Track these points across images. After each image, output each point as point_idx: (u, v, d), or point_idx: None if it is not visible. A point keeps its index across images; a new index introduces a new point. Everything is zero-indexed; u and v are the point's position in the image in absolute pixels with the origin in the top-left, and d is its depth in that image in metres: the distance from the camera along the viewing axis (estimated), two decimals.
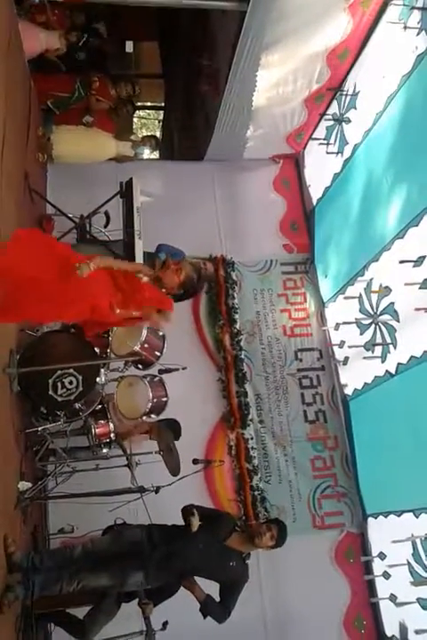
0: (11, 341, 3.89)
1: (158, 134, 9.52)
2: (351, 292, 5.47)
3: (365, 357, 5.20)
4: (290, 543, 3.80)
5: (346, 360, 5.66)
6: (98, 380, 4.13)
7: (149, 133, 9.86)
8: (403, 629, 4.70)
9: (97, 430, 4.40)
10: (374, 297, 5.08)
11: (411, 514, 4.58)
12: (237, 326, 5.88)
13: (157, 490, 3.95)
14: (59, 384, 3.89)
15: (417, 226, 4.34)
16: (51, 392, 3.89)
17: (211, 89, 6.24)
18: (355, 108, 5.46)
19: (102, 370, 4.21)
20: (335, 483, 5.61)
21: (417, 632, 4.51)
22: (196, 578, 3.69)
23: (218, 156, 6.40)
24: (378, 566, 5.16)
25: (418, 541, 4.50)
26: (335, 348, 5.83)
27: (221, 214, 6.32)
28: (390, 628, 4.95)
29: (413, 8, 4.38)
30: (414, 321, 4.48)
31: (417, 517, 4.51)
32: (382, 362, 4.94)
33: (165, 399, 4.56)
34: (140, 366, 4.48)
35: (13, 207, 4.31)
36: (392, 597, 4.89)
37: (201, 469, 4.30)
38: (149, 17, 7.27)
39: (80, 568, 3.50)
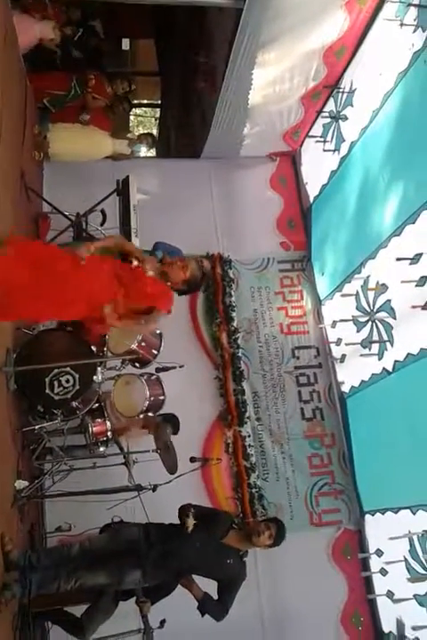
0: (7, 340, 3.88)
1: (155, 132, 9.53)
2: (348, 289, 5.47)
3: (362, 355, 5.20)
4: (287, 540, 3.81)
5: (343, 357, 5.67)
6: (95, 378, 4.12)
7: (145, 131, 9.86)
8: (400, 626, 4.71)
9: (94, 429, 4.40)
10: (371, 294, 5.09)
11: (408, 511, 4.59)
12: (235, 324, 5.88)
13: (154, 488, 3.96)
14: (55, 382, 3.88)
15: (414, 223, 4.34)
16: (47, 390, 3.88)
17: (207, 86, 6.23)
18: (352, 106, 5.46)
19: (99, 368, 4.20)
20: (333, 480, 5.61)
21: (414, 628, 4.51)
22: (193, 576, 3.70)
23: (215, 153, 6.38)
24: (375, 563, 5.17)
25: (415, 538, 4.51)
26: (332, 346, 5.84)
27: (217, 212, 6.31)
28: (388, 625, 4.97)
29: (409, 5, 4.38)
30: (410, 318, 4.48)
31: (414, 514, 4.52)
32: (379, 359, 4.94)
33: (162, 397, 4.56)
34: (137, 364, 4.48)
35: (9, 205, 4.30)
36: (389, 594, 4.91)
37: (198, 467, 4.29)
38: (145, 14, 7.27)
39: (77, 566, 3.50)
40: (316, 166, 6.20)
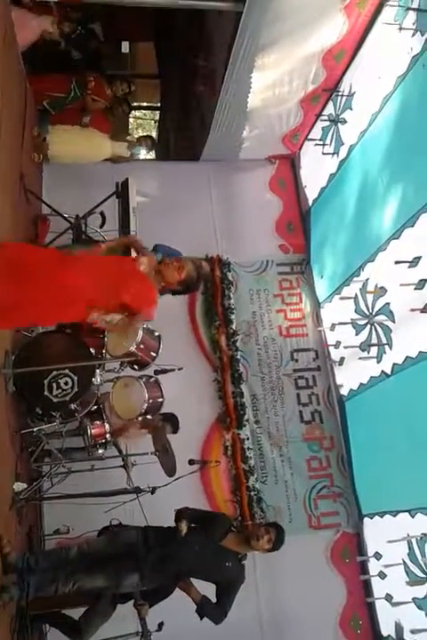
0: (6, 342, 3.89)
1: (154, 134, 9.53)
2: (347, 292, 5.47)
3: (360, 358, 5.21)
4: (286, 543, 3.82)
5: (342, 360, 5.67)
6: (93, 380, 4.12)
7: (144, 134, 9.85)
8: (399, 629, 4.71)
9: (93, 431, 4.39)
10: (370, 297, 5.09)
11: (407, 514, 4.58)
12: (233, 327, 5.88)
13: (152, 491, 3.95)
14: (54, 385, 3.88)
15: (413, 226, 4.34)
16: (46, 393, 3.88)
17: (207, 89, 6.24)
18: (351, 109, 5.47)
19: (98, 370, 4.20)
20: (331, 483, 5.61)
21: (413, 631, 4.51)
22: (192, 579, 3.69)
23: (214, 156, 6.39)
24: (374, 566, 5.16)
25: (414, 541, 4.51)
26: (331, 349, 5.84)
27: (216, 215, 6.32)
28: (386, 628, 4.96)
29: (408, 9, 4.39)
30: (409, 321, 4.48)
31: (413, 517, 4.52)
32: (378, 362, 4.94)
33: (160, 400, 4.55)
34: (135, 367, 4.47)
35: (9, 208, 4.30)
36: (388, 597, 4.90)
37: (197, 470, 4.29)
38: (144, 17, 7.28)
39: (75, 569, 3.50)
40: (315, 169, 6.21)
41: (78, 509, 4.08)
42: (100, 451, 4.46)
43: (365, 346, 5.14)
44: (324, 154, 5.96)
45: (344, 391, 5.65)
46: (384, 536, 4.92)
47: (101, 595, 3.70)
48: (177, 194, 6.25)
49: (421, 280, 4.26)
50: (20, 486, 3.78)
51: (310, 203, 6.33)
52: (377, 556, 5.12)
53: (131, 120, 9.97)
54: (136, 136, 7.05)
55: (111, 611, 3.84)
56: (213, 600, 3.67)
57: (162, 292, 3.52)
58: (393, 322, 4.74)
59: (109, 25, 6.98)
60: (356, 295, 5.31)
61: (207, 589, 3.70)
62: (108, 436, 4.41)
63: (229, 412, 5.61)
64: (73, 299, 3.17)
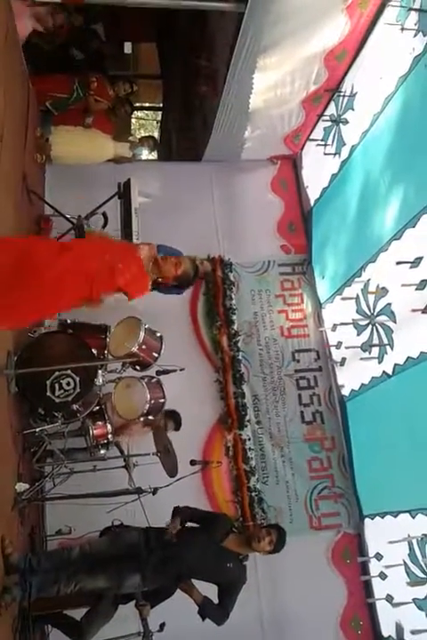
0: (8, 342, 3.89)
1: (156, 135, 9.54)
2: (348, 292, 5.47)
3: (362, 358, 5.21)
4: (287, 544, 3.82)
5: (343, 361, 5.67)
6: (96, 381, 4.13)
7: (147, 134, 9.88)
8: (399, 630, 4.72)
9: (95, 431, 4.39)
10: (371, 298, 5.09)
11: (407, 514, 4.59)
12: (235, 327, 5.89)
13: (154, 491, 3.96)
14: (56, 385, 3.89)
15: (414, 227, 4.34)
16: (48, 393, 3.88)
17: (209, 90, 6.24)
18: (352, 110, 5.47)
19: (100, 371, 4.20)
20: (332, 484, 5.62)
21: (413, 632, 4.52)
22: (194, 580, 3.70)
23: (216, 156, 6.40)
24: (375, 567, 5.17)
25: (414, 542, 4.51)
26: (332, 349, 5.84)
27: (218, 215, 6.32)
28: (387, 629, 4.97)
29: (410, 9, 4.38)
30: (410, 322, 4.48)
31: (414, 518, 4.52)
32: (379, 363, 4.94)
33: (162, 400, 4.54)
34: (137, 367, 4.47)
35: (11, 208, 4.31)
36: (389, 598, 4.91)
37: (198, 471, 4.30)
38: (147, 18, 7.27)
39: (77, 570, 3.51)
40: (316, 170, 6.21)
41: (80, 510, 4.09)
42: (102, 451, 4.46)
43: (366, 346, 5.14)
44: (325, 154, 5.96)
45: (345, 392, 5.65)
46: (385, 537, 4.93)
47: (103, 595, 3.71)
48: (179, 194, 6.26)
49: (422, 281, 4.26)
50: (22, 487, 3.78)
51: (312, 203, 6.34)
52: (378, 556, 5.12)
53: (133, 121, 9.96)
54: (138, 137, 7.05)
55: (113, 611, 3.85)
56: (215, 601, 3.67)
57: (154, 286, 3.55)
58: (394, 322, 4.74)
59: (112, 26, 6.99)
60: (357, 296, 5.31)
61: (209, 590, 3.70)
62: (110, 436, 4.42)
63: (230, 413, 5.62)
64: (74, 272, 3.11)
